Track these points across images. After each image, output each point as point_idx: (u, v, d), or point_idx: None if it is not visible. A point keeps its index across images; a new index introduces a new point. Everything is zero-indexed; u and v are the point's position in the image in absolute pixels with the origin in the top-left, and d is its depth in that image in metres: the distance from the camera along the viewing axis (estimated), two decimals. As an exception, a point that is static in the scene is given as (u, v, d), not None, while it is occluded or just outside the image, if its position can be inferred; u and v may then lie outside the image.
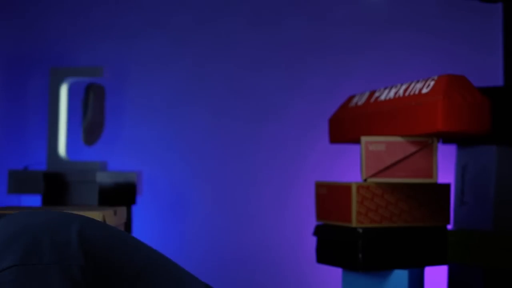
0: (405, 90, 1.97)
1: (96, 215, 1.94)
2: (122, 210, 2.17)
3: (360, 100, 2.16)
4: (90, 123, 3.16)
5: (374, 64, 3.46)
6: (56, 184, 2.89)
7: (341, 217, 1.97)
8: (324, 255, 2.06)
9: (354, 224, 1.93)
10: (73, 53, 3.74)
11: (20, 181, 3.12)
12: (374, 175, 1.94)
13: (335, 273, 3.23)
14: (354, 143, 2.20)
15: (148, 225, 3.63)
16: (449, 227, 2.92)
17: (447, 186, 2.06)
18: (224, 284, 3.61)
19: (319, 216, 2.08)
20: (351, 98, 2.26)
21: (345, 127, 2.20)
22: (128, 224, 3.00)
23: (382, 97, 2.04)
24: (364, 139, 1.95)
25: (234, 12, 3.67)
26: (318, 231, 2.08)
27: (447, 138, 2.49)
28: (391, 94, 2.01)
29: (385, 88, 2.09)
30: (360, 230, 1.92)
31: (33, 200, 3.48)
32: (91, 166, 3.12)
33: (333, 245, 2.01)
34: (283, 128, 3.47)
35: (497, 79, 2.96)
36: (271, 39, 3.52)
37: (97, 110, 3.21)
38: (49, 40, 3.77)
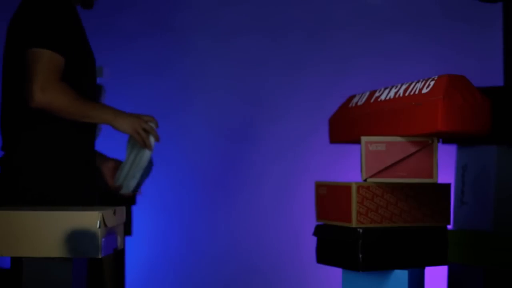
0: (405, 90, 1.97)
1: (95, 214, 1.94)
2: (122, 210, 2.17)
3: (360, 100, 2.16)
4: None
5: (374, 64, 3.46)
6: (56, 184, 2.88)
7: (341, 217, 1.97)
8: (324, 255, 2.06)
9: (354, 224, 1.92)
10: (73, 53, 3.74)
11: (20, 181, 3.11)
12: (374, 175, 1.94)
13: (335, 273, 3.23)
14: (354, 143, 2.20)
15: (148, 225, 3.63)
16: (449, 227, 2.92)
17: (447, 186, 2.06)
18: (225, 284, 3.61)
19: (319, 216, 2.08)
20: (351, 98, 2.26)
21: (345, 127, 2.19)
22: (128, 224, 3.00)
23: (382, 97, 2.04)
24: (364, 139, 1.95)
25: (235, 12, 3.67)
26: (318, 231, 2.08)
27: (447, 138, 2.48)
28: (391, 94, 2.01)
29: (385, 88, 2.08)
30: (360, 230, 1.92)
31: (33, 200, 3.48)
32: (91, 166, 3.12)
33: (333, 245, 2.01)
34: (283, 128, 3.47)
35: (497, 79, 2.96)
36: (271, 40, 3.52)
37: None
38: (49, 40, 3.77)
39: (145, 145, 2.21)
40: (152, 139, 2.22)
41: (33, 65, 2.05)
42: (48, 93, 2.04)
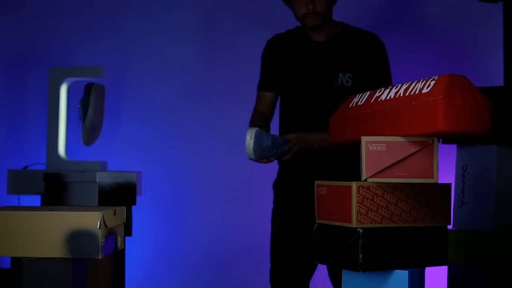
0: (406, 90, 1.97)
1: (95, 215, 1.94)
2: (122, 210, 2.17)
3: (360, 100, 2.16)
4: (91, 123, 3.16)
5: (374, 64, 3.45)
6: (56, 184, 2.89)
7: (341, 217, 1.97)
8: (324, 255, 2.06)
9: (354, 224, 1.93)
10: (73, 52, 3.74)
11: (20, 181, 3.12)
12: (374, 175, 1.94)
13: (335, 273, 3.22)
14: (354, 143, 2.20)
15: (148, 225, 3.63)
16: (449, 227, 2.92)
17: (447, 186, 2.06)
18: (224, 284, 3.61)
19: (319, 216, 2.08)
20: (351, 98, 2.26)
21: (345, 127, 2.20)
22: (128, 224, 3.00)
23: (383, 97, 2.04)
24: (364, 139, 1.95)
25: (234, 12, 3.67)
26: (318, 231, 2.08)
27: (447, 138, 2.48)
28: (392, 94, 2.01)
29: (385, 88, 2.09)
30: (360, 230, 1.92)
31: (33, 200, 3.48)
32: (91, 166, 3.12)
33: (333, 245, 2.01)
34: (283, 128, 3.46)
35: (497, 79, 2.96)
36: (271, 39, 3.51)
37: (97, 110, 3.21)
38: (48, 40, 3.77)
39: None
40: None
41: None
42: None
